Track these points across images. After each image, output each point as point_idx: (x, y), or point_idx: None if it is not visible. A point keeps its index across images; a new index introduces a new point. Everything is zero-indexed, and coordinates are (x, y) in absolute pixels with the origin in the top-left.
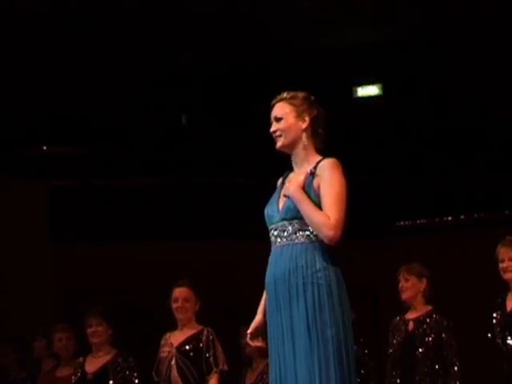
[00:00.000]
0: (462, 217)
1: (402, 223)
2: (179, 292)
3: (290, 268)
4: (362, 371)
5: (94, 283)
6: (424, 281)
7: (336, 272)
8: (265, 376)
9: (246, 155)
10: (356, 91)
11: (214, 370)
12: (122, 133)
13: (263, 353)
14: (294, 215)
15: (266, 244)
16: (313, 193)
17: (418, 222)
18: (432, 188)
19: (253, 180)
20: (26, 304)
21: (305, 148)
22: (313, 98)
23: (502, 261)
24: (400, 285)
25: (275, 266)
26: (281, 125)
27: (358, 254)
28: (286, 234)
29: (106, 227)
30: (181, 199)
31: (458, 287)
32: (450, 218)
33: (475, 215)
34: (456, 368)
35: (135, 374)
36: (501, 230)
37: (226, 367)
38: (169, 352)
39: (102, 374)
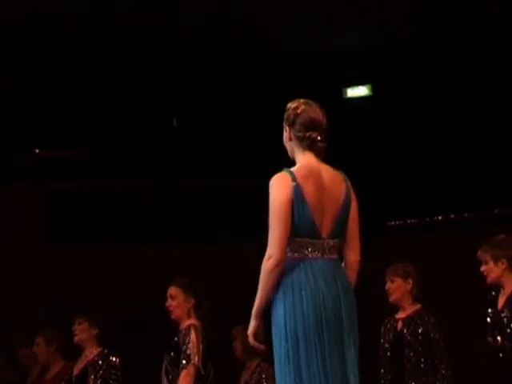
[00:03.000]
0: (452, 216)
1: (392, 223)
2: (168, 291)
3: None
4: None
5: (90, 286)
6: (410, 281)
7: None
8: (254, 375)
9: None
10: (346, 92)
11: (182, 364)
12: (117, 135)
13: (253, 353)
14: None
15: (255, 246)
16: None
17: (408, 221)
18: (422, 188)
19: (249, 182)
20: (21, 308)
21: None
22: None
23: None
24: (386, 286)
25: None
26: None
27: None
28: None
29: (101, 230)
30: (178, 202)
31: (448, 286)
32: (440, 218)
33: (465, 214)
34: (445, 366)
35: (118, 373)
36: (491, 228)
37: (198, 363)
38: None
39: (83, 375)
